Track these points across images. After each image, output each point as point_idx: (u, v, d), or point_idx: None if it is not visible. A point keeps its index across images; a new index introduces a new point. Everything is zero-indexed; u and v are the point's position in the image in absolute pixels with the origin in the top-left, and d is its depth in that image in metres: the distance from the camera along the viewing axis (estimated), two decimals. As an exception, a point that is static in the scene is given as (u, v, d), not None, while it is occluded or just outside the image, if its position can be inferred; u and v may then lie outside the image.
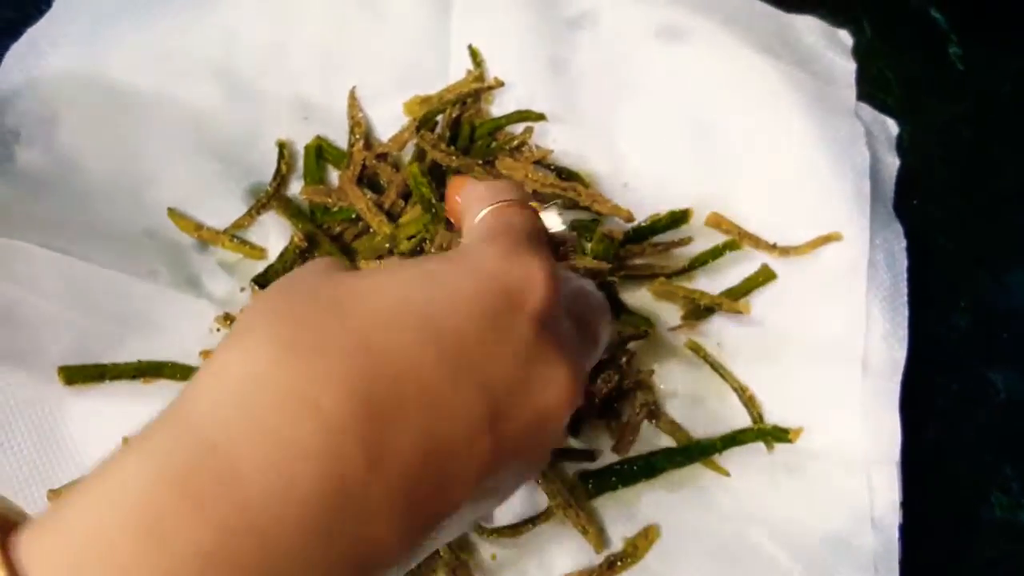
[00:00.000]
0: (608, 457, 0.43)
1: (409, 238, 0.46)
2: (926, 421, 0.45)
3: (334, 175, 0.50)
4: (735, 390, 0.45)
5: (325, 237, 0.47)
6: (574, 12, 0.53)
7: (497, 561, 0.41)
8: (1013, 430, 0.47)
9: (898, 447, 0.42)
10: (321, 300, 0.24)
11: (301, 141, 0.50)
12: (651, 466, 0.43)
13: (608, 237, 0.46)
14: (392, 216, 0.47)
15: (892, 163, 0.50)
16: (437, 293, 0.24)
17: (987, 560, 0.44)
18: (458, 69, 0.52)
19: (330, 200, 0.48)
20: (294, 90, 0.51)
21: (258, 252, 0.47)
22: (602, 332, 0.31)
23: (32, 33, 0.49)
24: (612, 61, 0.52)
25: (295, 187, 0.49)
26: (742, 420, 0.44)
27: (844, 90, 0.51)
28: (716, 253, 0.48)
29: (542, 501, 0.41)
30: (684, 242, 0.48)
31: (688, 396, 0.45)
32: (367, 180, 0.49)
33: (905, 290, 0.45)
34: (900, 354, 0.44)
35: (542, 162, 0.49)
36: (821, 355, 0.45)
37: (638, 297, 0.47)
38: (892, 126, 0.51)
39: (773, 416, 0.44)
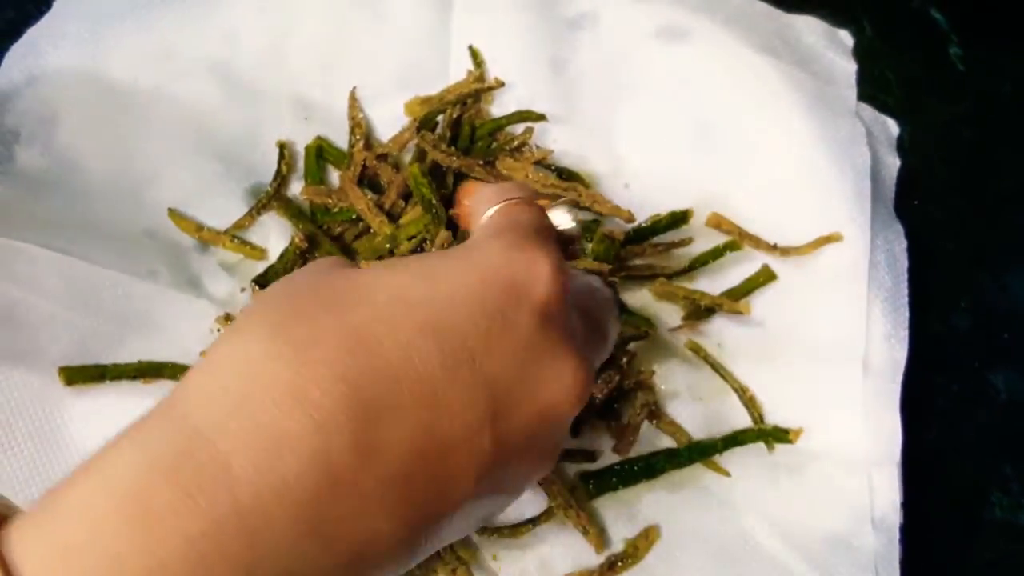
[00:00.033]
0: (609, 458, 0.43)
1: (409, 239, 0.46)
2: (927, 421, 0.45)
3: (335, 175, 0.50)
4: (735, 391, 0.45)
5: (326, 238, 0.47)
6: (574, 12, 0.53)
7: (498, 561, 0.41)
8: (1013, 430, 0.47)
9: (899, 447, 0.42)
10: (320, 295, 0.24)
11: (301, 141, 0.50)
12: (652, 467, 0.43)
13: (608, 238, 0.46)
14: (393, 217, 0.47)
15: (893, 163, 0.50)
16: (438, 288, 0.24)
17: (987, 560, 0.44)
18: (458, 69, 0.52)
19: (331, 201, 0.48)
20: (295, 90, 0.51)
21: (258, 253, 0.47)
22: (611, 328, 0.30)
23: (32, 33, 0.49)
24: (612, 61, 0.52)
25: (296, 187, 0.49)
26: (743, 421, 0.44)
27: (845, 90, 0.51)
28: (717, 253, 0.48)
29: (542, 501, 0.41)
30: (685, 242, 0.48)
31: (689, 397, 0.45)
32: (367, 181, 0.49)
33: (906, 290, 0.45)
34: (901, 354, 0.44)
35: (542, 162, 0.49)
36: (822, 355, 0.45)
37: (639, 298, 0.47)
38: (893, 126, 0.51)
39: (774, 417, 0.44)
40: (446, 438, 0.23)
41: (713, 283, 0.47)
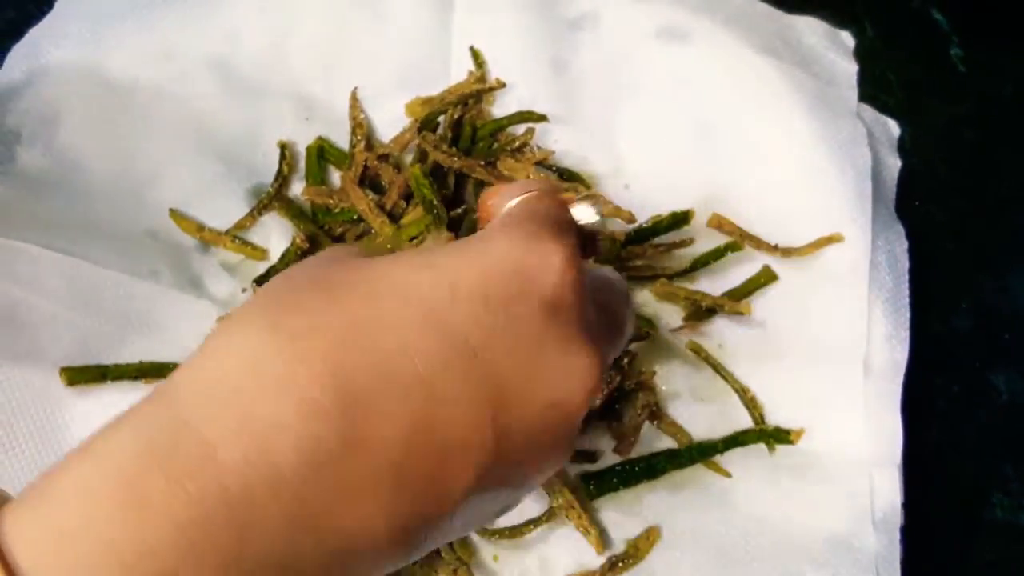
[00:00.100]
0: (610, 458, 0.43)
1: (411, 239, 0.46)
2: (928, 422, 0.45)
3: (336, 176, 0.50)
4: (736, 391, 0.45)
5: (327, 238, 0.47)
6: (575, 13, 0.53)
7: (499, 562, 0.41)
8: (1014, 431, 0.47)
9: (900, 448, 0.42)
10: (320, 285, 0.24)
11: (303, 142, 0.50)
12: (653, 467, 0.43)
13: (610, 238, 0.46)
14: (394, 217, 0.47)
15: (894, 164, 0.50)
16: (441, 280, 0.24)
17: (988, 561, 0.44)
18: (459, 70, 0.52)
19: (332, 201, 0.48)
20: (296, 91, 0.51)
21: (260, 253, 0.47)
22: (627, 321, 0.30)
23: (34, 33, 0.49)
24: (613, 62, 0.52)
25: (297, 188, 0.49)
26: (744, 421, 0.44)
27: (846, 91, 0.51)
28: (718, 254, 0.48)
29: (544, 502, 0.41)
30: (685, 243, 0.48)
31: (690, 397, 0.45)
32: (369, 181, 0.49)
33: (907, 291, 0.45)
34: (902, 355, 0.44)
35: (543, 163, 0.49)
36: (823, 356, 0.45)
37: (640, 298, 0.47)
38: (894, 127, 0.51)
39: (774, 417, 0.44)
40: (443, 433, 0.22)
41: (714, 284, 0.47)
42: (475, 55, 0.52)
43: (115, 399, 0.41)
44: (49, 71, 0.48)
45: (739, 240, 0.48)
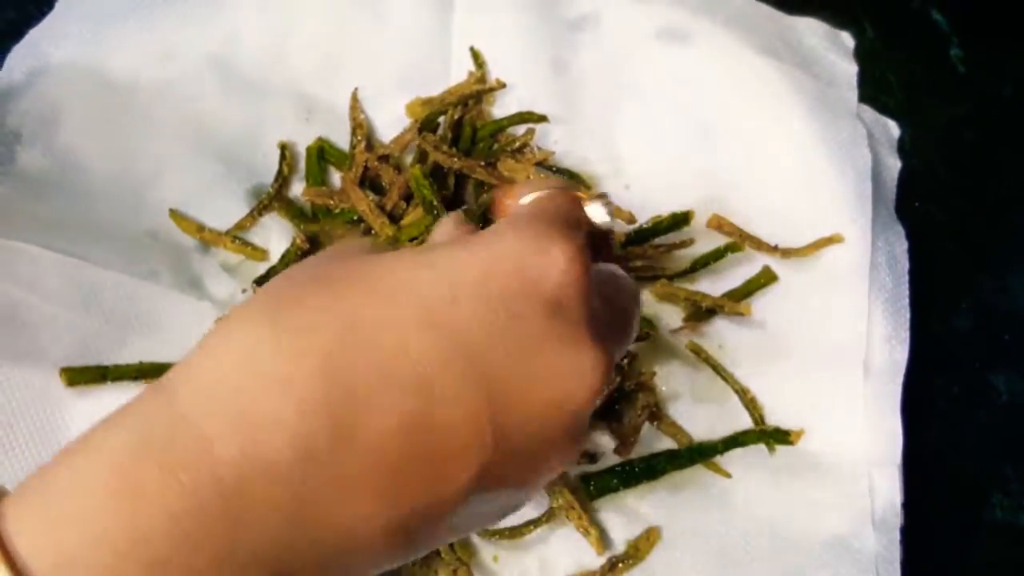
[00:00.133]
0: (610, 459, 0.43)
1: (411, 240, 0.46)
2: (927, 423, 0.45)
3: (336, 176, 0.50)
4: (736, 392, 0.45)
5: (327, 239, 0.47)
6: (575, 13, 0.53)
7: (499, 562, 0.41)
8: (1014, 432, 0.47)
9: (899, 449, 0.42)
10: (320, 282, 0.24)
11: (303, 142, 0.50)
12: (653, 468, 0.43)
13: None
14: (394, 218, 0.47)
15: (894, 165, 0.50)
16: (442, 277, 0.24)
17: (988, 561, 0.44)
18: (460, 71, 0.52)
19: (332, 202, 0.48)
20: (296, 91, 0.51)
21: (260, 254, 0.47)
22: (634, 317, 0.30)
23: (34, 34, 0.49)
24: (613, 63, 0.52)
25: (297, 188, 0.49)
26: (744, 422, 0.44)
27: (846, 92, 0.51)
28: (718, 255, 0.48)
29: (544, 502, 0.41)
30: (686, 244, 0.48)
31: (690, 398, 0.45)
32: (369, 182, 0.49)
33: (907, 292, 0.45)
34: (901, 356, 0.44)
35: (544, 164, 0.49)
36: (822, 357, 0.45)
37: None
38: (893, 128, 0.51)
39: (774, 418, 0.44)
40: (441, 431, 0.22)
41: (714, 284, 0.47)
42: (475, 55, 0.52)
43: (115, 399, 0.40)
44: (49, 71, 0.48)
45: (739, 241, 0.48)
